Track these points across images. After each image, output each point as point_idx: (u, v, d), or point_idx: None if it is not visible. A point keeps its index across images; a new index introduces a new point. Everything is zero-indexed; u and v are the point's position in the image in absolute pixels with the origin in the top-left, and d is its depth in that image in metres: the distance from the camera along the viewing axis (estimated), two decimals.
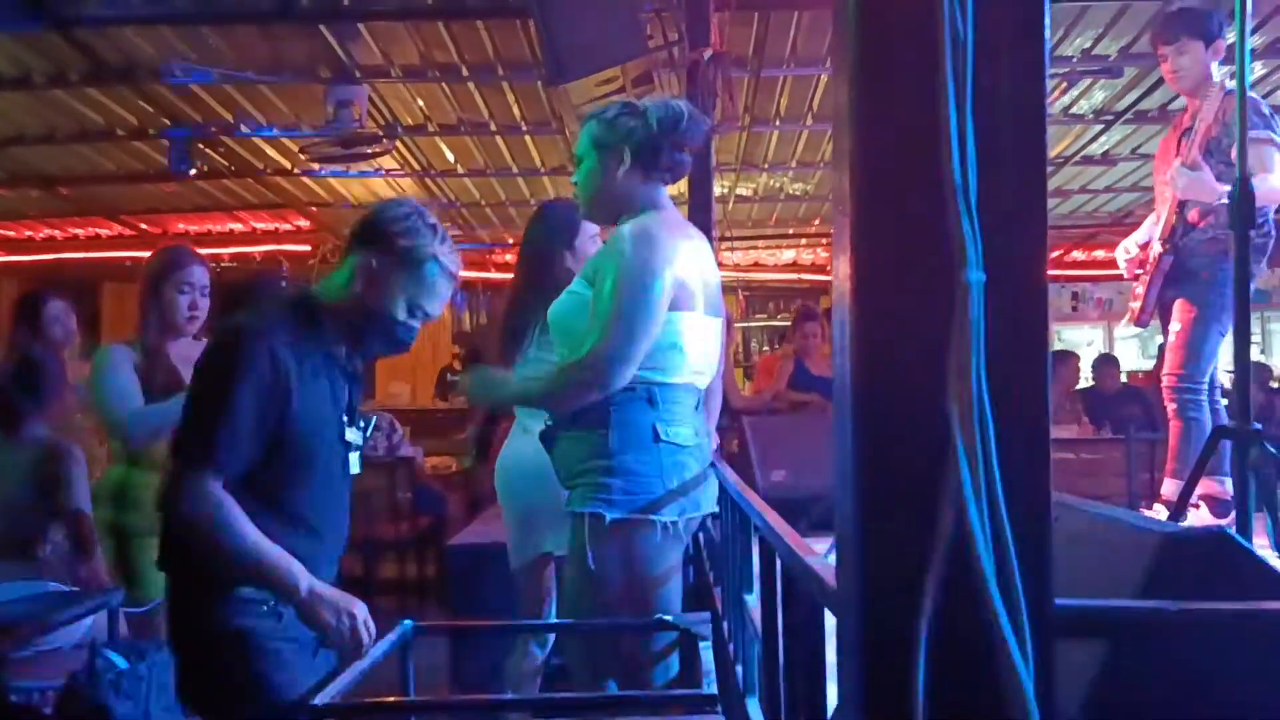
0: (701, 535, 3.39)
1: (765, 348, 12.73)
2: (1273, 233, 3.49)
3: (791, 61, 6.53)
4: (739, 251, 12.28)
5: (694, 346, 2.47)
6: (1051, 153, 8.14)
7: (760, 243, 11.99)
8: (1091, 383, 9.01)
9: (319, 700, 1.93)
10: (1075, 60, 6.45)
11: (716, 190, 7.65)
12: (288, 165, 8.39)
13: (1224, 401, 3.83)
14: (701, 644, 2.48)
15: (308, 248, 11.01)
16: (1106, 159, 8.60)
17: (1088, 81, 6.78)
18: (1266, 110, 3.63)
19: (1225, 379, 4.07)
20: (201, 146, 7.77)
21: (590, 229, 3.14)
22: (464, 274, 10.69)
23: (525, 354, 3.09)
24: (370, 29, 5.94)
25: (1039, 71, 0.86)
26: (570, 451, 2.49)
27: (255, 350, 2.07)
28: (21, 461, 3.51)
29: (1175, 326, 3.69)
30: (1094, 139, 8.06)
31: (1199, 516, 3.64)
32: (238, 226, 10.67)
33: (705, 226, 4.87)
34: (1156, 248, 3.71)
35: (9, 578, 3.31)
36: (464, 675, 3.50)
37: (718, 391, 2.76)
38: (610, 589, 2.43)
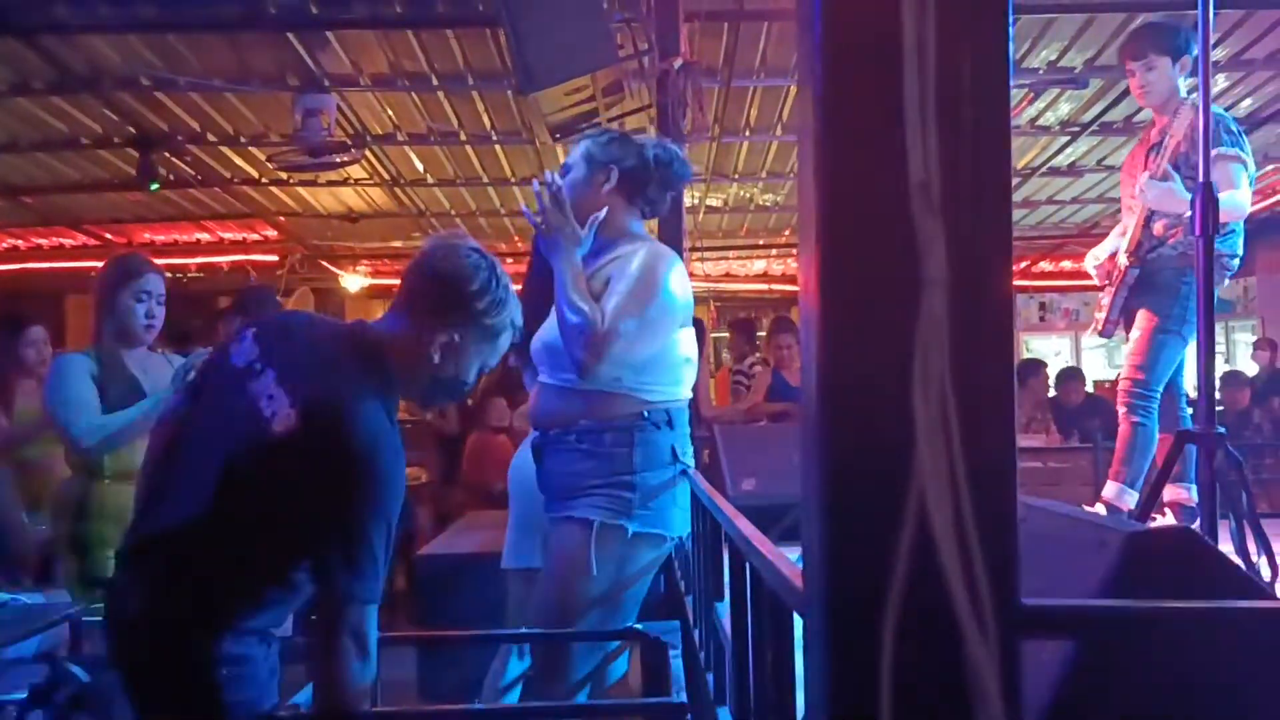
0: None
1: (758, 354, 12.73)
2: (1239, 250, 3.54)
3: (761, 72, 6.56)
4: (709, 262, 12.30)
5: (692, 358, 2.65)
6: (1018, 164, 8.22)
7: (731, 253, 12.03)
8: (1055, 394, 9.10)
9: (283, 713, 1.90)
10: (1041, 72, 6.52)
11: (687, 201, 7.67)
12: (255, 174, 8.34)
13: (1189, 410, 3.86)
14: (671, 652, 2.47)
15: (275, 258, 10.95)
16: (1073, 170, 8.69)
17: (1054, 93, 6.86)
18: (1235, 128, 3.67)
19: (1192, 390, 4.11)
20: (168, 155, 7.71)
21: None
22: None
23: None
24: (339, 38, 5.92)
25: (1003, 81, 0.87)
26: (579, 465, 2.56)
27: (399, 453, 1.93)
28: None
29: (1135, 334, 3.73)
30: (1060, 150, 8.14)
31: (1164, 523, 3.67)
32: (205, 236, 10.59)
33: (675, 237, 4.88)
34: (1123, 260, 3.75)
35: None
36: (432, 686, 3.48)
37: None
38: (607, 596, 2.53)
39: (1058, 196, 9.58)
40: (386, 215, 9.90)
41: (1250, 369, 9.37)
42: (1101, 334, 3.90)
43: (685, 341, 2.62)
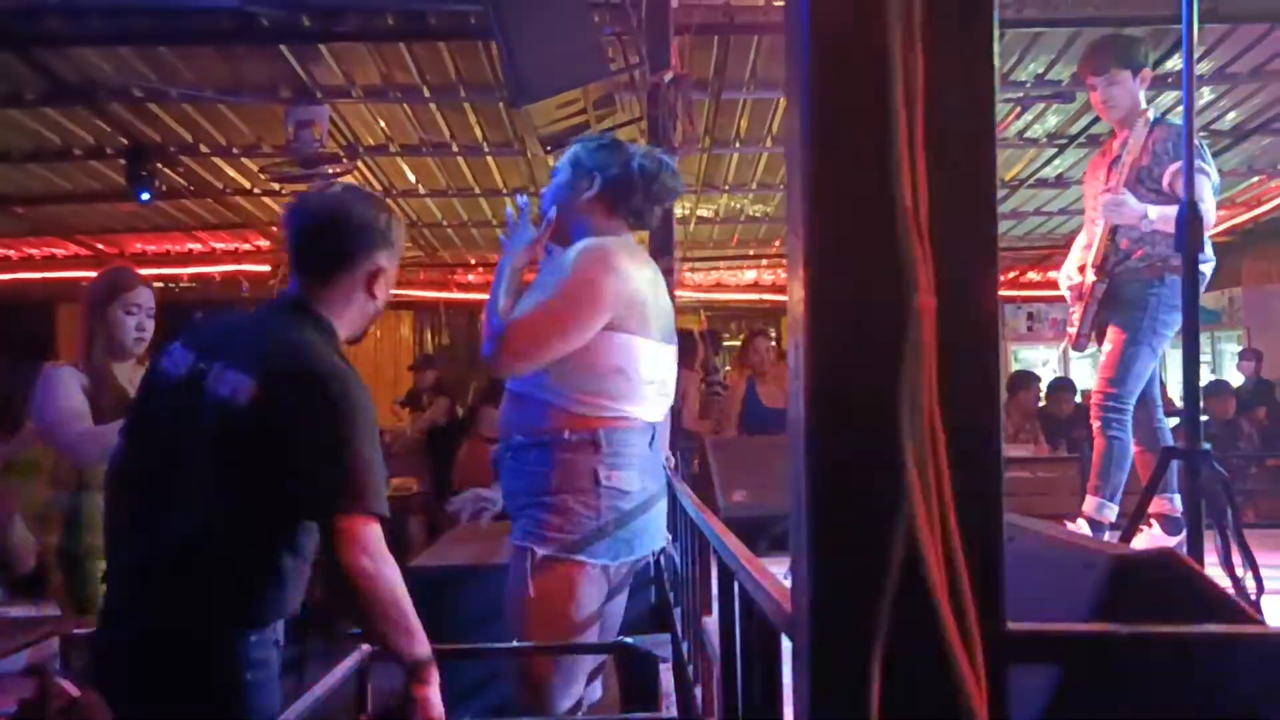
0: (662, 557, 3.40)
1: (728, 367, 12.76)
2: (1211, 257, 3.58)
3: (751, 84, 6.59)
4: (700, 272, 12.33)
5: (643, 371, 2.46)
6: (1006, 176, 8.27)
7: (721, 263, 12.05)
8: (1045, 404, 9.13)
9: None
10: (1029, 85, 6.56)
11: (678, 212, 7.68)
12: (247, 185, 8.34)
13: (1171, 422, 3.89)
14: (661, 665, 2.48)
15: (268, 268, 10.94)
16: (1060, 182, 8.74)
17: (1041, 106, 6.90)
18: (1198, 141, 3.71)
19: (1176, 399, 4.14)
20: (160, 166, 7.71)
21: None
22: (425, 294, 10.63)
23: None
24: (331, 49, 5.93)
25: (989, 106, 0.88)
26: (515, 484, 2.51)
27: (360, 383, 2.01)
28: None
29: (1107, 347, 3.76)
30: (1048, 162, 8.20)
31: (1151, 535, 3.69)
32: (196, 247, 10.59)
33: (666, 247, 4.90)
34: (1090, 274, 3.79)
35: None
36: None
37: (667, 419, 2.75)
38: (536, 623, 2.44)
39: (1045, 208, 9.64)
40: None
41: (1236, 379, 9.42)
42: (1074, 347, 3.93)
43: (633, 348, 2.43)
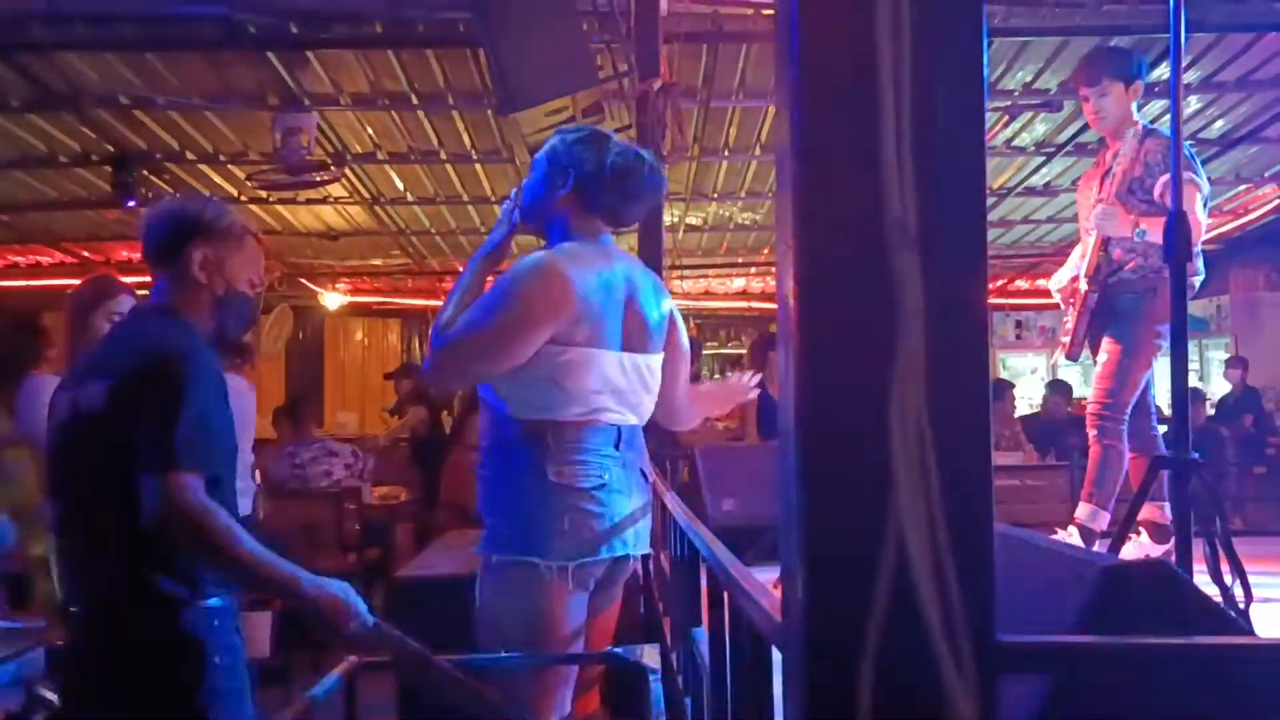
0: (651, 567, 3.39)
1: (716, 375, 12.75)
2: (1201, 271, 3.59)
3: (740, 93, 6.60)
4: (689, 280, 12.34)
5: (583, 383, 2.35)
6: (995, 184, 8.30)
7: (710, 271, 12.06)
8: (1039, 409, 9.15)
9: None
10: (1017, 94, 6.58)
11: (666, 219, 7.70)
12: (234, 193, 8.32)
13: (1162, 429, 3.91)
14: (650, 676, 2.46)
15: None
16: (1048, 190, 8.77)
17: (1029, 115, 6.92)
18: (1189, 151, 3.74)
19: (1164, 406, 4.16)
20: (146, 173, 7.68)
21: None
22: (413, 302, 10.63)
23: None
24: (319, 57, 5.92)
25: (978, 119, 0.88)
26: (480, 491, 2.47)
27: (207, 359, 2.15)
28: None
29: (1102, 358, 3.79)
30: (1036, 170, 8.23)
31: (1139, 543, 3.70)
32: None
33: (655, 255, 4.89)
34: (1083, 285, 3.81)
35: None
36: (411, 712, 3.45)
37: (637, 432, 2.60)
38: (498, 630, 2.38)
39: (1033, 216, 9.67)
40: (366, 233, 9.89)
41: (1223, 387, 9.47)
42: (1069, 357, 3.95)
43: (568, 360, 2.34)
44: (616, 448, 2.43)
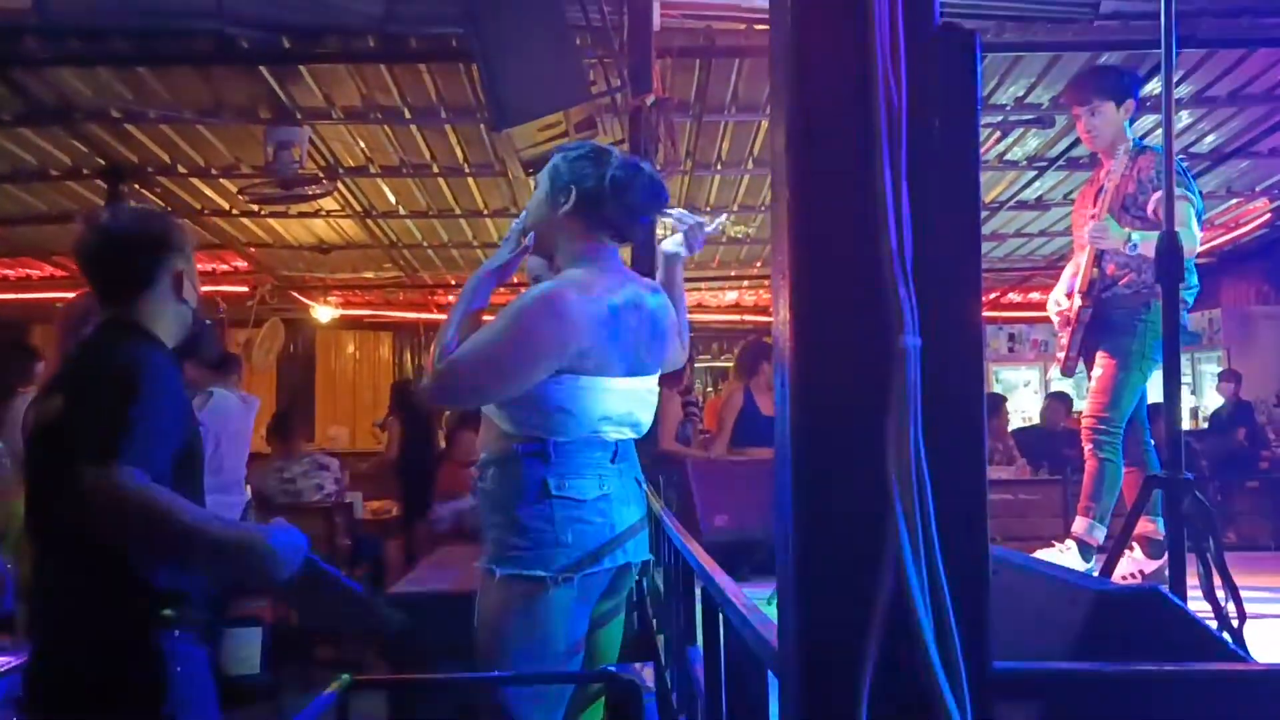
0: (644, 583, 3.38)
1: (710, 389, 12.77)
2: (1195, 284, 3.60)
3: (733, 107, 6.62)
4: None
5: (592, 409, 2.38)
6: (987, 198, 8.33)
7: (703, 284, 12.06)
8: (1037, 420, 9.16)
9: None
10: (1009, 108, 6.61)
11: (659, 233, 7.69)
12: (226, 206, 8.31)
13: (1154, 442, 3.92)
14: (645, 694, 2.45)
15: (245, 288, 10.89)
16: (1040, 204, 8.80)
17: (1021, 129, 6.95)
18: (1181, 167, 3.76)
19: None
20: (137, 187, 7.67)
21: None
22: (405, 315, 10.59)
23: None
24: (311, 71, 5.92)
25: (972, 152, 0.88)
26: (479, 505, 2.48)
27: (171, 374, 2.13)
28: None
29: (1097, 372, 3.81)
30: (1028, 184, 8.25)
31: (1133, 558, 3.70)
32: None
33: (648, 269, 4.89)
34: (1077, 299, 3.83)
35: None
36: None
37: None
38: (501, 644, 2.37)
39: (1025, 230, 9.70)
40: (358, 246, 9.88)
41: (1216, 400, 9.49)
42: (1064, 372, 3.97)
43: (579, 389, 2.36)
44: (612, 461, 2.45)
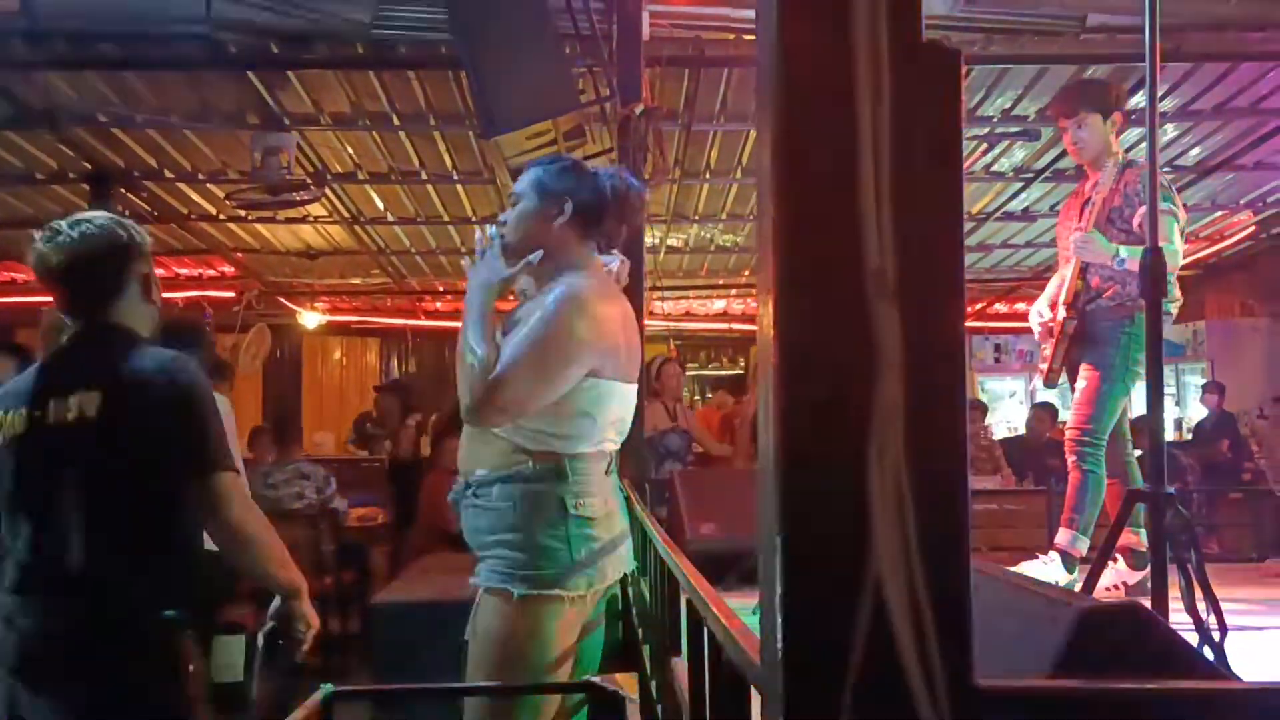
0: (630, 590, 3.37)
1: (697, 397, 12.78)
2: (1179, 297, 3.63)
3: (722, 116, 6.64)
4: (670, 301, 12.35)
5: (609, 414, 2.42)
6: (973, 209, 8.36)
7: (691, 293, 12.08)
8: (1017, 432, 9.19)
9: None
10: (995, 120, 6.64)
11: (648, 241, 7.71)
12: (213, 211, 8.29)
13: (1137, 452, 3.94)
14: (628, 704, 2.45)
15: (232, 294, 10.87)
16: (1027, 215, 8.84)
17: (1008, 140, 6.98)
18: (1165, 182, 3.78)
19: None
20: (124, 191, 7.64)
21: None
22: (392, 321, 10.56)
23: None
24: (300, 77, 5.92)
25: (956, 168, 0.89)
26: (477, 523, 2.43)
27: (201, 373, 2.32)
28: None
29: (1081, 384, 3.82)
30: (1014, 196, 8.29)
31: (1116, 569, 3.72)
32: (160, 272, 10.38)
33: (636, 276, 4.89)
34: (1061, 311, 3.84)
35: None
36: None
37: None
38: (516, 667, 2.37)
39: (1012, 240, 9.74)
40: (346, 253, 9.87)
41: (1200, 412, 9.53)
42: (1047, 383, 3.99)
43: (602, 393, 2.39)
44: (607, 473, 2.48)
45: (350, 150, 7.17)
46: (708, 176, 7.81)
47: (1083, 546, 3.81)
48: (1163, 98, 5.98)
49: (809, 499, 0.92)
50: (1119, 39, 5.51)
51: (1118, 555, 3.65)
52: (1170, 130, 6.91)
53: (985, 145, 6.68)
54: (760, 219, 0.97)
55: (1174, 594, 2.54)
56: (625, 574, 2.60)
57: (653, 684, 2.65)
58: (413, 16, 5.30)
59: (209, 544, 2.33)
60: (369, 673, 4.34)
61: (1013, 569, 3.70)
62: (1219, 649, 2.30)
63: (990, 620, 1.19)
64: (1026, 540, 5.53)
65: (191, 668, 2.25)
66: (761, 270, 0.96)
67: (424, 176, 7.64)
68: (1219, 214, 9.01)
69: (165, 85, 6.01)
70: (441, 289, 11.76)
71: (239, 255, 9.92)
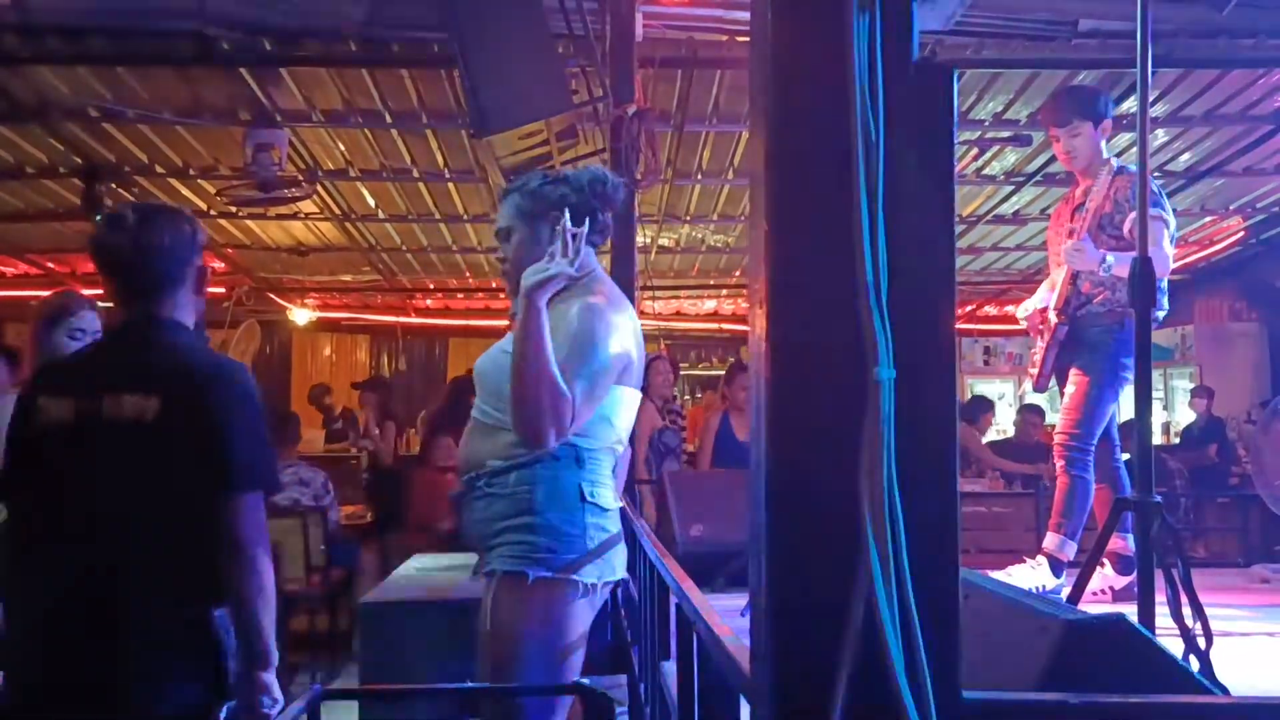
0: (620, 593, 3.38)
1: (687, 396, 12.78)
2: (1165, 305, 3.65)
3: (714, 118, 6.64)
4: (660, 301, 12.36)
5: (622, 419, 2.48)
6: (964, 211, 8.38)
7: (682, 293, 12.08)
8: (1006, 434, 9.22)
9: None
10: (987, 124, 6.65)
11: (639, 240, 7.70)
12: (204, 207, 8.26)
13: (1125, 455, 3.96)
14: (618, 708, 2.46)
15: (222, 290, 10.82)
16: (1017, 218, 8.86)
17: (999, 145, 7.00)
18: (1155, 188, 3.80)
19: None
20: (115, 186, 7.61)
21: None
22: (382, 318, 10.53)
23: None
24: (292, 73, 5.90)
25: (948, 189, 0.89)
26: (489, 511, 2.42)
27: (250, 379, 2.27)
28: None
29: (1070, 390, 3.84)
30: (1005, 199, 8.30)
31: (1104, 574, 3.73)
32: None
33: (627, 276, 4.90)
34: (1052, 317, 3.86)
35: None
36: None
37: (626, 456, 2.72)
38: (524, 650, 2.37)
39: (1002, 243, 9.76)
40: (337, 249, 9.85)
41: (1188, 416, 9.56)
42: (1036, 388, 4.01)
43: (619, 398, 2.43)
44: (614, 473, 2.53)
45: (342, 147, 7.15)
46: (699, 177, 7.81)
47: (1071, 551, 3.83)
48: (1153, 103, 6.00)
49: (799, 512, 0.93)
50: (1110, 44, 5.52)
51: (1104, 559, 3.67)
52: (1161, 135, 6.93)
53: (976, 149, 6.70)
54: (753, 231, 0.98)
55: (1160, 599, 2.55)
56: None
57: (642, 687, 2.65)
58: (407, 15, 5.29)
59: None
60: (357, 668, 4.34)
61: (1000, 573, 3.71)
62: (1205, 658, 2.31)
63: (979, 629, 1.19)
64: (1015, 543, 5.54)
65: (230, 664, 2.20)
66: (754, 282, 0.96)
67: (416, 174, 7.63)
68: (1208, 219, 9.04)
69: (157, 81, 5.98)
70: (432, 286, 11.75)
71: (230, 251, 9.89)
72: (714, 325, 13.27)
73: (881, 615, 0.90)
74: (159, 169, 7.43)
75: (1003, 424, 11.05)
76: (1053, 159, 7.26)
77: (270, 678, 2.16)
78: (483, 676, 2.43)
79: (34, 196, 7.99)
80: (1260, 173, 7.76)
